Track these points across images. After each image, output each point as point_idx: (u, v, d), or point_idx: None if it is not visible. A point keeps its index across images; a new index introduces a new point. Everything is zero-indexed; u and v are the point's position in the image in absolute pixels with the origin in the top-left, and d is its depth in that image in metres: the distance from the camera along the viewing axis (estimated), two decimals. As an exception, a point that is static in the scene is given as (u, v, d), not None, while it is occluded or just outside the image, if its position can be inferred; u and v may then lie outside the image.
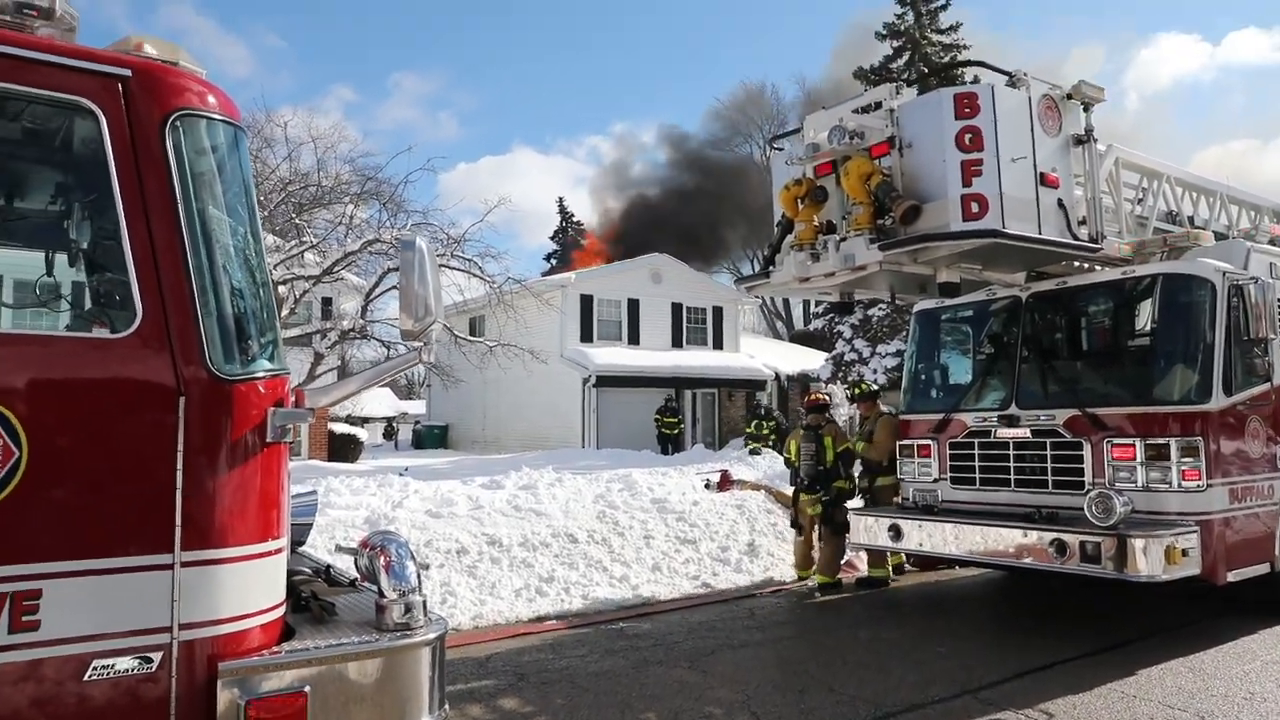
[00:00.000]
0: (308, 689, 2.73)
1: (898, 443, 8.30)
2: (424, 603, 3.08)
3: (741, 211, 44.79)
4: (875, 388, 9.77)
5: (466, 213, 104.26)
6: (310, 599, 3.27)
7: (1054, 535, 6.42)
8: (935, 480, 7.81)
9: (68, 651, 2.53)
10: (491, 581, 8.12)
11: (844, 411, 26.57)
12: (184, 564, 2.67)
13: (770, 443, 20.99)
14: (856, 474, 9.14)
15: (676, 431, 25.88)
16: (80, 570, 2.56)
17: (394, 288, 17.96)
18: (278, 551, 2.92)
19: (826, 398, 9.64)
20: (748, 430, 22.15)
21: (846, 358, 27.48)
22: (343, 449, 24.15)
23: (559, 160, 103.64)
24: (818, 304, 33.50)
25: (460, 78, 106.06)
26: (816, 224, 7.21)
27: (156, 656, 2.61)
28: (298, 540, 3.98)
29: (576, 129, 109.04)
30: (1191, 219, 8.73)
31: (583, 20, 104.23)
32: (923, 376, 8.64)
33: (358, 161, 20.21)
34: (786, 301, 57.82)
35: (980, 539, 6.90)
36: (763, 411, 23.71)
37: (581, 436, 25.93)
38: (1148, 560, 6.08)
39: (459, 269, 18.47)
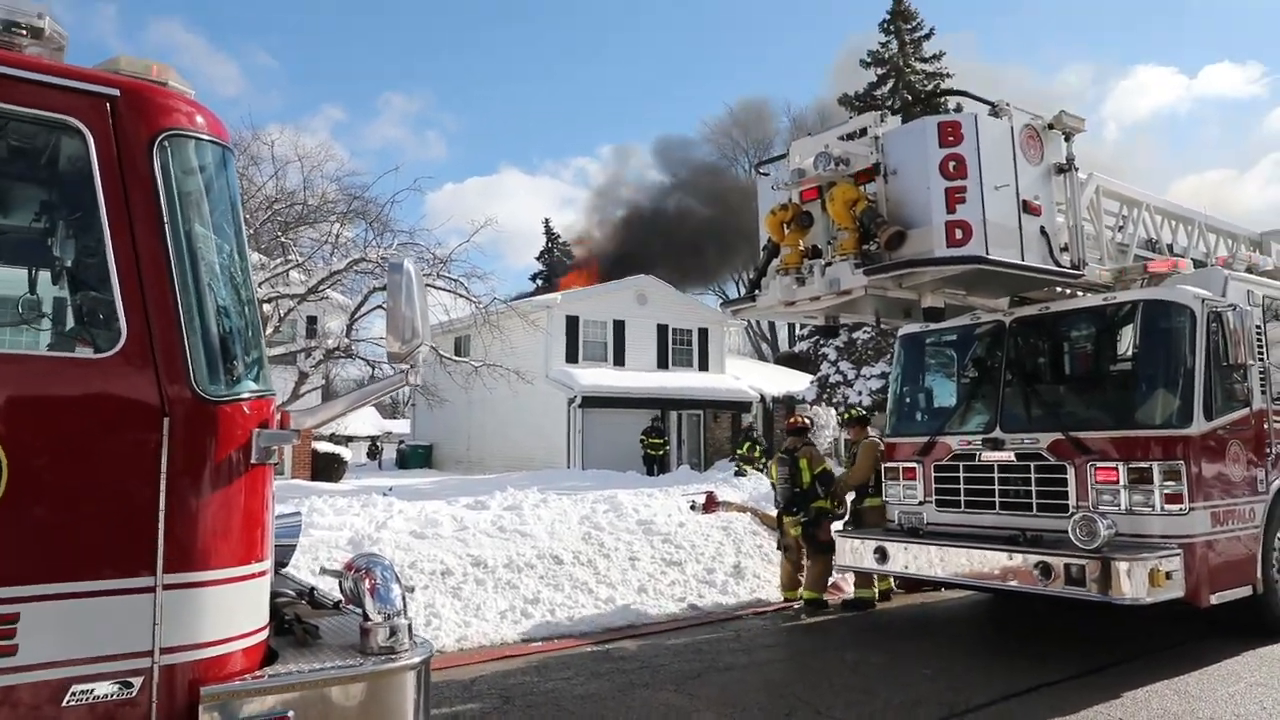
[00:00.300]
0: (291, 714, 2.69)
1: (883, 465, 8.32)
2: (409, 626, 3.05)
3: (729, 234, 45.06)
4: (864, 412, 9.78)
5: (453, 233, 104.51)
6: (294, 622, 3.22)
7: (1038, 558, 6.43)
8: (920, 503, 7.82)
9: (45, 677, 2.48)
10: (476, 603, 8.05)
11: (829, 434, 26.63)
12: (166, 587, 2.63)
13: (760, 464, 21.03)
14: (849, 496, 9.15)
15: (662, 453, 25.85)
16: (60, 594, 2.51)
17: (380, 307, 17.90)
18: (262, 574, 2.89)
19: (807, 421, 9.70)
20: (739, 451, 22.16)
21: (831, 380, 27.59)
22: (326, 468, 23.95)
23: (545, 181, 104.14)
24: (803, 327, 33.64)
25: (448, 98, 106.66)
26: (802, 249, 7.25)
27: (137, 681, 2.56)
28: (281, 562, 3.93)
29: (563, 150, 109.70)
30: (1170, 246, 8.85)
31: (571, 42, 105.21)
32: (907, 400, 8.67)
33: (344, 180, 20.21)
34: (772, 324, 58.10)
35: (965, 561, 6.91)
36: (755, 434, 23.70)
37: (567, 457, 25.84)
38: (1132, 583, 6.10)
39: (445, 289, 18.44)
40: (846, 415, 9.80)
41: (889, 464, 8.21)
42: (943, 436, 7.75)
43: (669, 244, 48.26)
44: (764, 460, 21.15)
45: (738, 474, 19.95)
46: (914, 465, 7.91)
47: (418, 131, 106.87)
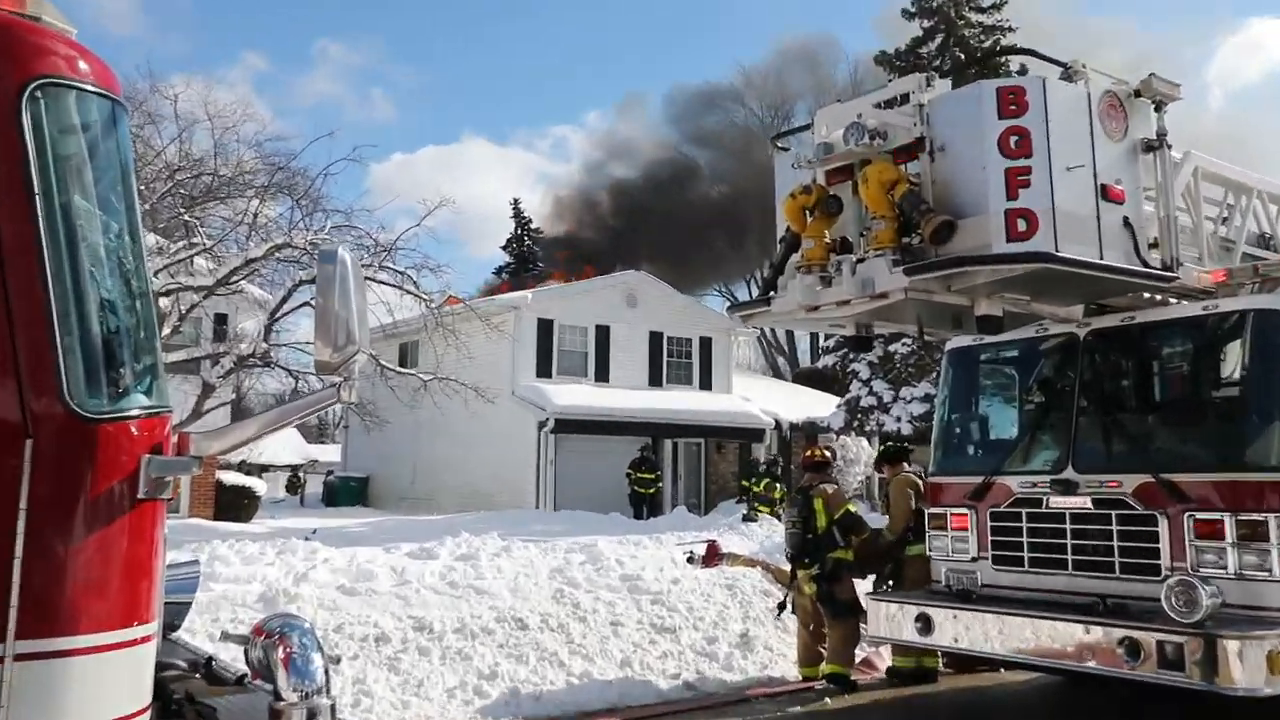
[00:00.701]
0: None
1: (928, 509, 8.31)
2: (332, 707, 3.02)
3: (749, 219, 45.23)
4: (901, 445, 9.80)
5: (401, 214, 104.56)
6: (185, 702, 3.17)
7: (1123, 633, 6.40)
8: (973, 559, 7.80)
9: None
10: (419, 678, 7.99)
11: (859, 471, 26.69)
12: (19, 657, 2.56)
13: (782, 509, 20.98)
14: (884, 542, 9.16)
15: (653, 490, 25.80)
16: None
17: (307, 304, 17.86)
18: (145, 640, 2.83)
19: (827, 454, 9.73)
20: (755, 490, 22.09)
21: (863, 403, 27.68)
22: (234, 505, 23.81)
23: (517, 154, 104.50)
24: (828, 337, 33.78)
25: (400, 48, 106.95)
26: (828, 241, 7.26)
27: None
28: (172, 624, 3.87)
29: (542, 116, 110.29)
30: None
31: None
32: (957, 430, 8.67)
33: (266, 146, 20.22)
34: (790, 334, 58.39)
35: (1030, 635, 6.87)
36: (778, 469, 23.57)
37: (536, 494, 25.81)
38: (1244, 668, 6.03)
39: (389, 284, 18.44)
40: (882, 450, 9.82)
41: (935, 509, 8.19)
42: (1001, 476, 7.73)
43: (670, 230, 48.45)
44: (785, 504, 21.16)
45: (747, 519, 19.93)
46: (965, 511, 7.89)
47: (360, 88, 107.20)
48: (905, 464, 9.57)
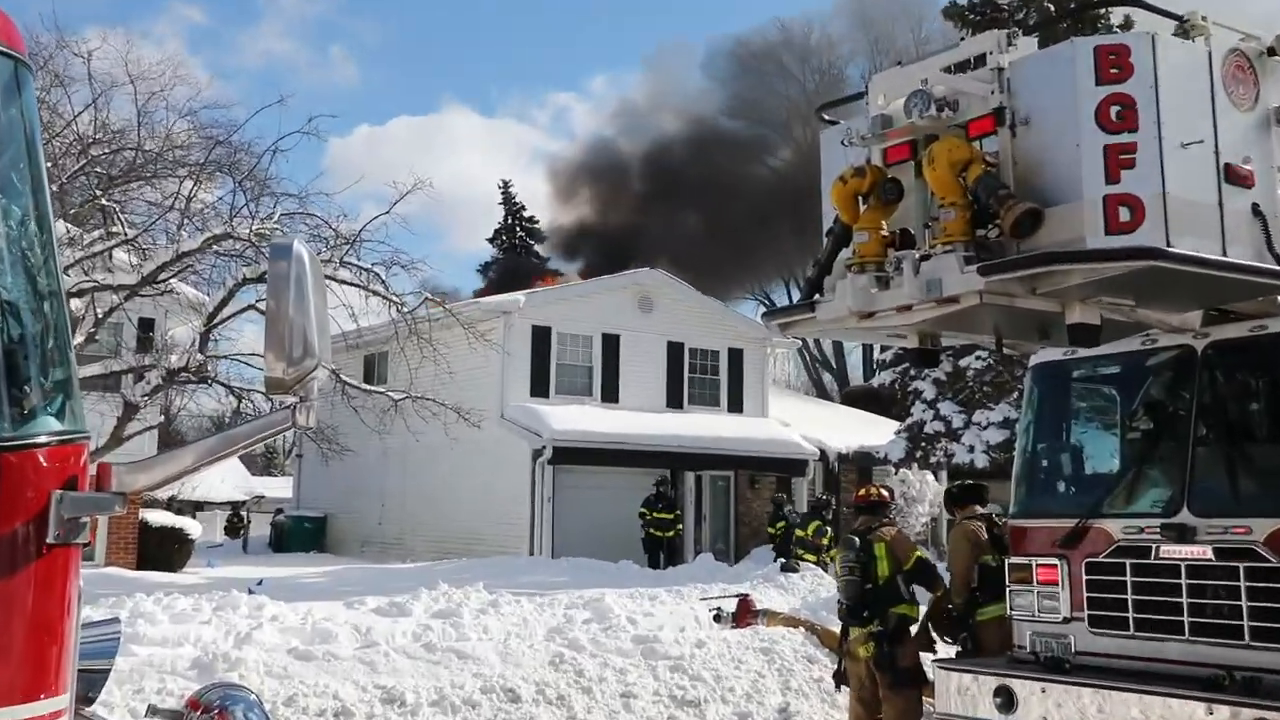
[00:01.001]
0: None
1: (1009, 560, 8.28)
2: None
3: (797, 204, 45.31)
4: (974, 483, 9.77)
5: (367, 199, 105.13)
6: (103, 792, 3.15)
7: (1256, 714, 6.37)
8: (1065, 620, 7.76)
9: None
10: (385, 763, 8.00)
11: (924, 510, 26.63)
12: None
13: (830, 558, 20.85)
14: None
15: (672, 533, 25.78)
16: None
17: (253, 309, 17.93)
18: (55, 716, 2.82)
19: (885, 493, 9.75)
20: (800, 533, 21.97)
21: (927, 430, 27.60)
22: (162, 551, 23.89)
23: (508, 127, 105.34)
24: (884, 350, 33.69)
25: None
26: (886, 234, 7.25)
27: None
28: (86, 696, 3.86)
29: (539, 82, 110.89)
30: None
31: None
32: (1044, 462, 8.67)
33: (202, 116, 20.05)
34: (839, 346, 58.58)
35: (1139, 714, 6.83)
36: (827, 510, 23.32)
37: (530, 538, 25.85)
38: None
39: (352, 283, 18.49)
40: (954, 490, 9.81)
41: (1016, 559, 8.17)
42: (1100, 519, 7.70)
43: (696, 218, 48.48)
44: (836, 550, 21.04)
45: (787, 568, 19.87)
46: (1054, 562, 7.86)
47: (318, 45, 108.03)
48: (978, 506, 9.52)
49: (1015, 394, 25.06)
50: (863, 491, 9.79)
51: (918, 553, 9.25)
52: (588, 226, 54.92)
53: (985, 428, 26.35)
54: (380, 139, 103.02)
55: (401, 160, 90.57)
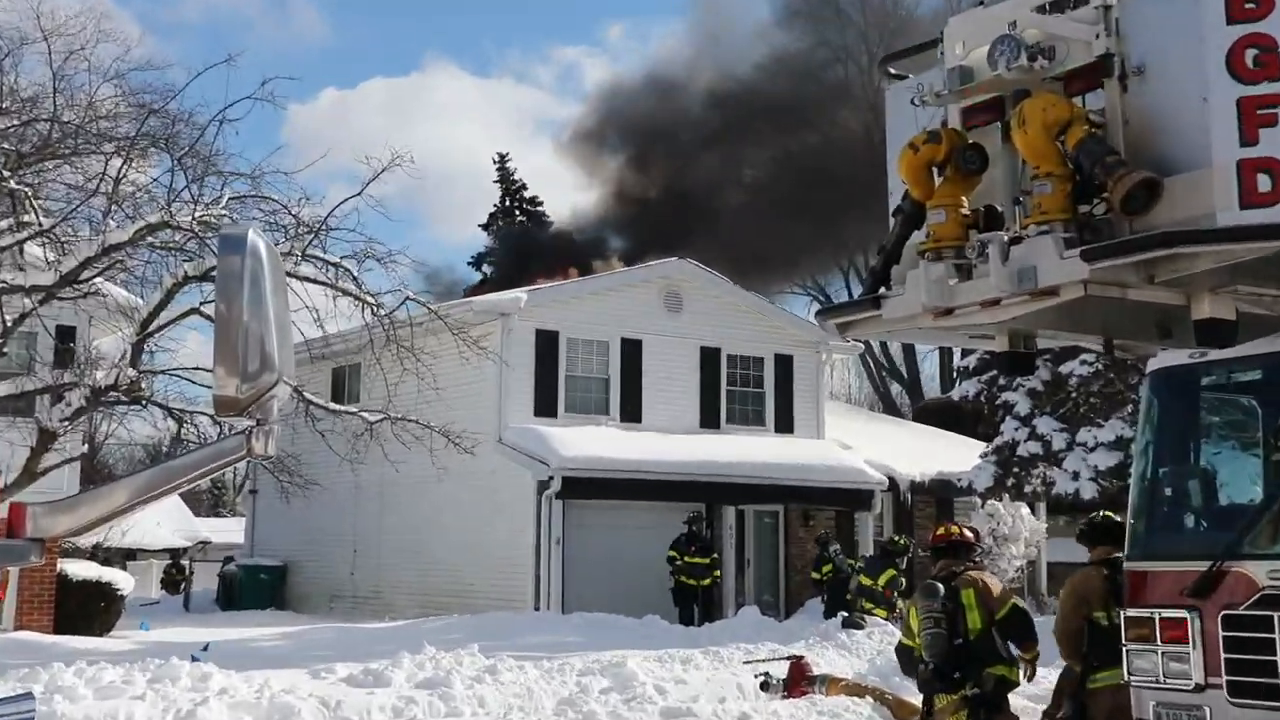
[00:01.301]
0: None
1: (1123, 612, 8.25)
2: None
3: (828, 185, 45.24)
4: (1107, 518, 9.70)
5: (335, 179, 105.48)
6: None
7: None
8: (1198, 687, 7.71)
9: None
10: None
11: (1018, 552, 26.46)
12: None
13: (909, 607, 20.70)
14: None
15: (708, 581, 25.78)
16: None
17: (197, 312, 18.00)
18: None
19: (969, 533, 9.72)
20: (865, 581, 21.61)
21: (1021, 452, 27.55)
22: (85, 610, 23.93)
23: (506, 89, 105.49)
24: (966, 354, 33.62)
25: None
26: (966, 212, 7.29)
27: None
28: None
29: (540, 34, 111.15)
30: None
31: None
32: (1167, 491, 8.65)
33: (132, 80, 20.03)
34: (910, 351, 58.42)
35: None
36: (900, 558, 22.78)
37: (535, 589, 25.87)
38: None
39: (318, 281, 18.52)
40: (1085, 525, 9.74)
41: (1135, 612, 8.13)
42: (1240, 562, 7.65)
43: (740, 195, 48.27)
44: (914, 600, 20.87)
45: (850, 624, 19.81)
46: (1183, 615, 7.81)
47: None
48: (1115, 549, 9.43)
49: (1130, 407, 24.97)
50: (941, 530, 9.79)
51: (1011, 601, 9.24)
52: (610, 209, 54.86)
53: (1093, 449, 26.26)
54: (350, 104, 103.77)
55: (376, 131, 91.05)
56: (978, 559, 9.80)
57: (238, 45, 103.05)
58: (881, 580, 21.55)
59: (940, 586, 9.19)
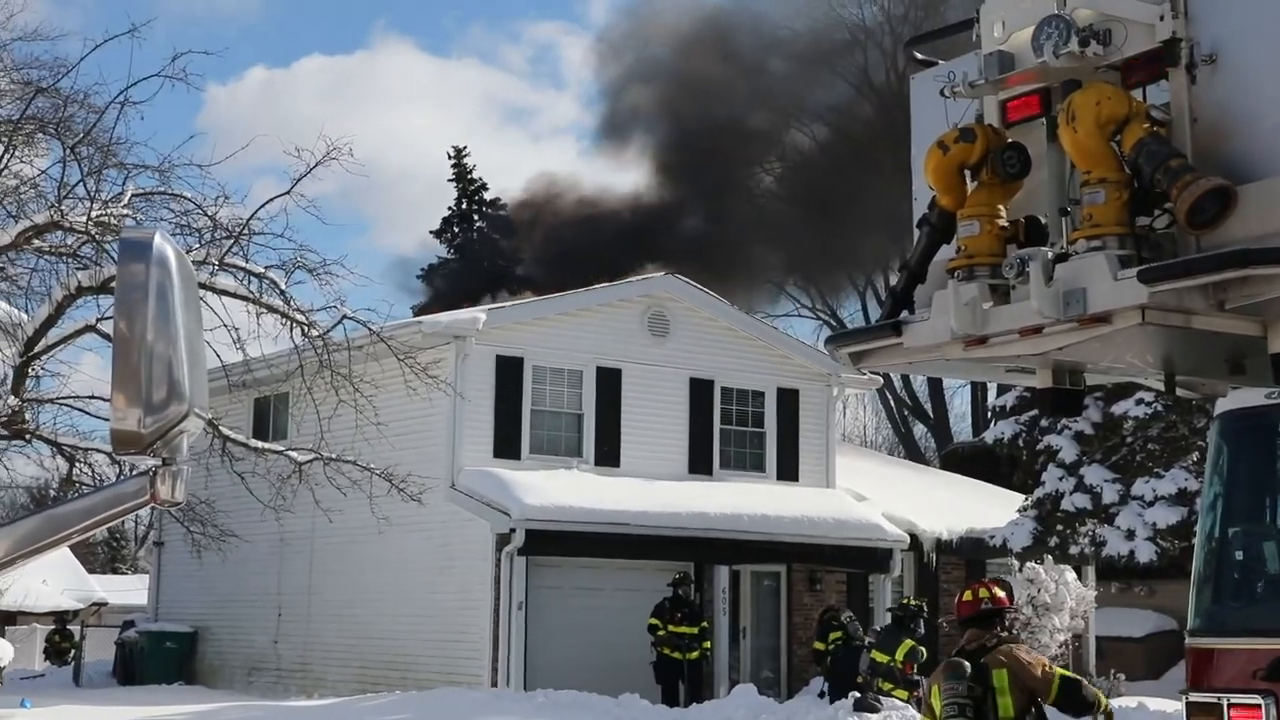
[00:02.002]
0: None
1: (1186, 698, 8.26)
2: None
3: (842, 190, 45.46)
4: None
5: (260, 173, 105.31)
6: None
7: None
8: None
9: None
10: None
11: (1061, 623, 26.44)
12: None
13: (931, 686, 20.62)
14: None
15: (696, 654, 25.76)
16: None
17: (92, 330, 17.94)
18: None
19: (1000, 594, 9.62)
20: (879, 656, 21.46)
21: (1066, 505, 27.51)
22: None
23: (471, 71, 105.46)
24: (1003, 392, 33.66)
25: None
26: (1004, 224, 7.34)
27: None
28: None
29: (511, 7, 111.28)
30: None
31: None
32: (1238, 554, 8.69)
33: (16, 51, 19.92)
34: (936, 386, 58.47)
35: None
36: (917, 625, 22.71)
37: (491, 663, 25.79)
38: None
39: (238, 295, 18.46)
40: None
41: (1198, 696, 8.15)
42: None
43: (734, 203, 48.35)
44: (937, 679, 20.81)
45: (862, 707, 19.75)
46: (1257, 702, 7.80)
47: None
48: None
49: (1196, 455, 24.99)
50: (968, 596, 9.61)
51: (1058, 672, 9.12)
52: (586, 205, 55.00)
53: (1151, 504, 26.28)
54: (282, 85, 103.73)
55: (313, 119, 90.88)
56: (1014, 630, 9.73)
57: (144, 11, 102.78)
58: (899, 654, 21.48)
59: (967, 666, 9.09)
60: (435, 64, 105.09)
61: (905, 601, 23.68)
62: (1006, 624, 9.68)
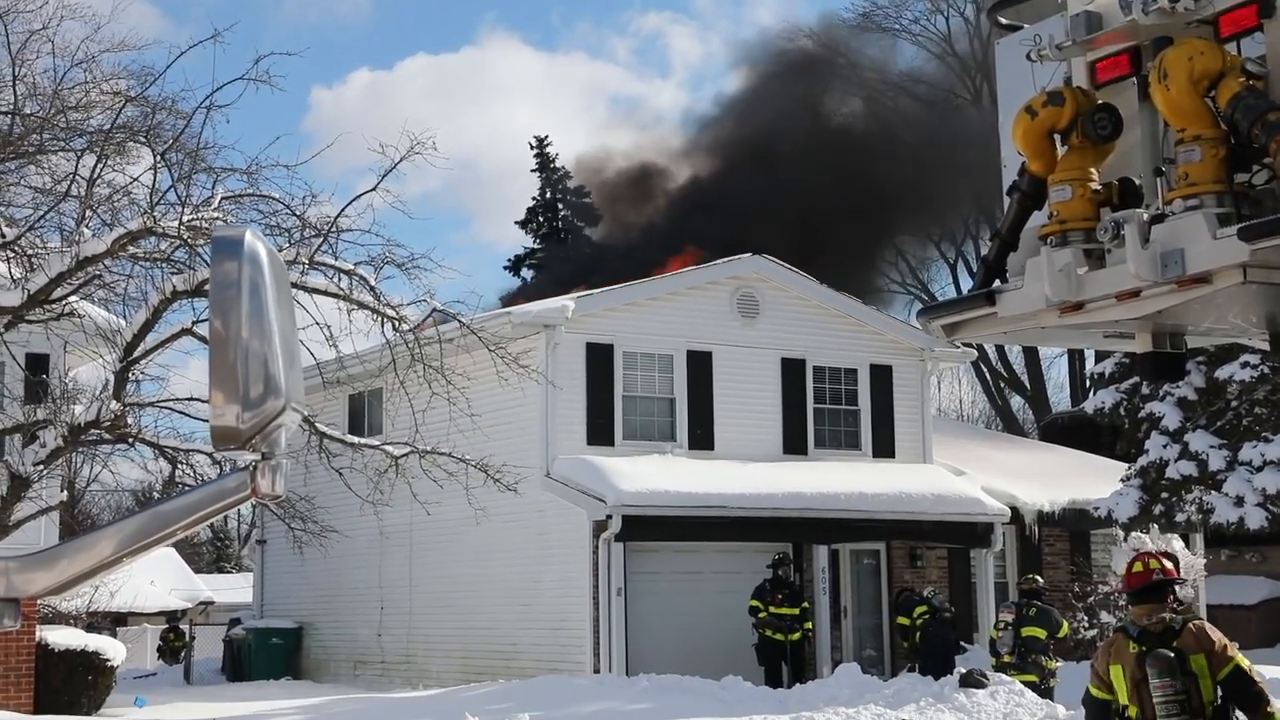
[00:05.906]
0: None
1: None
2: None
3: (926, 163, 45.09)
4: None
5: (350, 173, 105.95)
6: None
7: None
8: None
9: None
10: None
11: (1185, 592, 26.11)
12: None
13: (1036, 653, 20.25)
14: None
15: (798, 635, 25.77)
16: None
17: (189, 333, 18.10)
18: None
19: (1172, 567, 9.25)
20: (1035, 633, 20.61)
21: (1171, 473, 27.18)
22: (72, 684, 24.12)
23: (577, 65, 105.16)
24: (1102, 358, 33.26)
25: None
26: (1097, 187, 7.23)
27: None
28: None
29: (616, 2, 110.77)
30: None
31: None
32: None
33: (104, 64, 20.08)
34: (1032, 355, 57.91)
35: None
36: (1036, 601, 21.91)
37: (593, 649, 25.87)
38: None
39: (328, 293, 18.50)
40: None
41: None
42: None
43: (826, 184, 48.25)
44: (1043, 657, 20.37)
45: (968, 682, 19.56)
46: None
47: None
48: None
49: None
50: (1138, 567, 9.17)
51: (1235, 657, 8.81)
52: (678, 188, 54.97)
53: (1259, 469, 25.94)
54: (383, 87, 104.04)
55: (412, 116, 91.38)
56: (1186, 601, 9.37)
57: (244, 21, 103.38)
58: (1062, 632, 21.03)
59: (1173, 657, 8.72)
60: (541, 58, 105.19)
61: (1032, 577, 22.91)
62: (1184, 601, 9.38)
